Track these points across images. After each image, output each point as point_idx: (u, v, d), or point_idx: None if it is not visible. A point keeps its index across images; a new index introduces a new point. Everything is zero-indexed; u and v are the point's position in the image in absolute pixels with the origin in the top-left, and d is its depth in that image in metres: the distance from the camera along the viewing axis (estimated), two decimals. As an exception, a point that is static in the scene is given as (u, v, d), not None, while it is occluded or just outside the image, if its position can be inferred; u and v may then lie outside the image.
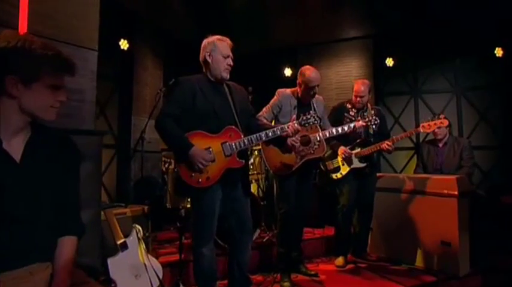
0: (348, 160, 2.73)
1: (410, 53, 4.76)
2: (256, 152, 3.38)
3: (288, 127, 1.83)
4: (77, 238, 1.14)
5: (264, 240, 3.13)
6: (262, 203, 3.23)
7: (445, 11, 4.07)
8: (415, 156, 4.56)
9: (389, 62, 4.83)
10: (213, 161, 1.78)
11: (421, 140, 4.65)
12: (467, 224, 2.71)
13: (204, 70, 1.90)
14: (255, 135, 1.81)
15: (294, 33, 4.89)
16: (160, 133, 1.81)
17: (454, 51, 4.56)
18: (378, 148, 2.63)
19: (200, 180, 1.78)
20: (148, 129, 3.03)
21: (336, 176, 2.76)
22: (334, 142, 2.76)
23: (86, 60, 1.58)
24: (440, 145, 3.35)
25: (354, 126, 2.32)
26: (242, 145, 1.80)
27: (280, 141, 1.97)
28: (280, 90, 2.44)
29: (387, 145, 2.57)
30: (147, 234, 2.56)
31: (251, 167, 3.44)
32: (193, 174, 1.78)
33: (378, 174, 3.19)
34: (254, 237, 3.01)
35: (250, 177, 3.37)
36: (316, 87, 2.38)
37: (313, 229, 3.52)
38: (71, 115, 1.51)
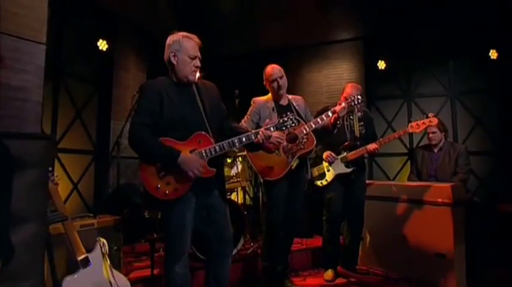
0: (333, 165, 2.65)
1: (403, 56, 4.67)
2: (240, 159, 3.27)
3: (258, 134, 1.75)
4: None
5: (248, 251, 3.01)
6: (246, 212, 3.13)
7: (438, 12, 4.01)
8: (409, 162, 4.45)
9: (381, 64, 4.70)
10: (203, 168, 1.67)
11: (415, 145, 4.55)
12: (463, 235, 2.59)
13: (169, 72, 1.79)
14: (227, 142, 1.71)
15: (284, 35, 4.81)
16: (137, 147, 1.68)
17: (447, 54, 4.47)
18: (364, 151, 2.57)
19: (167, 192, 1.66)
20: (126, 134, 2.87)
21: (321, 183, 2.66)
22: (319, 147, 2.70)
23: (30, 55, 1.40)
24: (435, 150, 3.28)
25: (334, 111, 2.25)
26: (213, 152, 1.69)
27: (260, 146, 1.86)
28: (254, 98, 2.41)
29: (373, 147, 2.52)
30: (115, 248, 2.37)
31: (234, 174, 3.33)
32: (159, 185, 1.66)
33: (368, 181, 3.11)
34: (238, 248, 2.89)
35: (235, 185, 3.28)
36: (279, 80, 2.33)
37: (301, 239, 3.38)
38: (12, 116, 1.33)
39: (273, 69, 2.38)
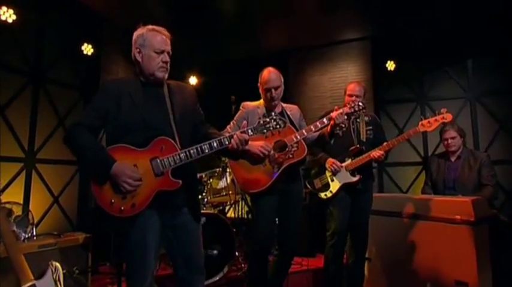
0: (337, 174, 2.48)
1: (414, 54, 4.44)
2: (229, 169, 3.09)
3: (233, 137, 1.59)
4: None
5: (239, 273, 2.86)
6: (243, 227, 3.06)
7: (452, 4, 3.75)
8: (424, 172, 4.18)
9: (391, 65, 4.45)
10: (140, 181, 1.49)
11: (430, 153, 4.27)
12: (488, 259, 2.28)
13: (136, 70, 1.65)
14: (195, 148, 1.54)
15: (285, 36, 4.69)
16: (70, 147, 1.53)
17: (465, 51, 4.19)
18: (369, 157, 2.40)
19: (123, 208, 1.48)
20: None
21: (326, 195, 2.48)
22: (321, 155, 2.52)
23: None
24: (453, 158, 3.05)
25: (330, 117, 2.10)
26: (177, 161, 1.52)
27: (241, 154, 1.70)
28: (244, 103, 2.31)
29: (377, 153, 2.37)
30: (76, 271, 2.12)
31: (223, 186, 3.15)
32: (113, 200, 1.48)
33: (378, 194, 2.92)
34: (224, 271, 2.70)
35: (223, 199, 3.13)
36: (273, 91, 2.18)
37: (301, 259, 3.14)
38: None
39: (270, 76, 2.21)
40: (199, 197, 3.23)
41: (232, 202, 3.25)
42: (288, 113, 2.33)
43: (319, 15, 4.04)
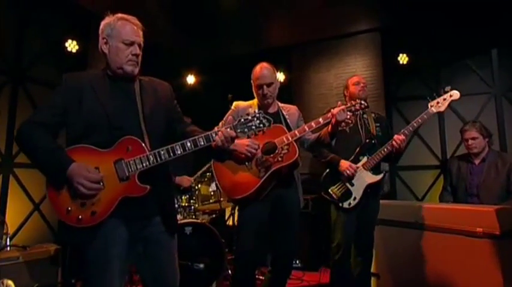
0: (356, 178, 2.37)
1: (430, 46, 4.21)
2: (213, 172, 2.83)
3: (217, 134, 1.50)
4: None
5: None
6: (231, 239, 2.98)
7: None
8: (442, 177, 3.96)
9: (403, 59, 4.23)
10: (99, 184, 1.40)
11: (449, 155, 4.06)
12: None
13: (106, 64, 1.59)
14: (166, 149, 1.45)
15: (287, 30, 4.54)
16: (21, 147, 1.45)
17: (488, 40, 3.93)
18: (390, 148, 2.33)
19: (81, 216, 1.38)
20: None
21: (349, 203, 2.35)
22: (331, 156, 2.42)
23: None
24: (477, 161, 2.90)
25: (332, 113, 2.04)
26: (145, 163, 1.43)
27: (227, 153, 1.64)
28: (236, 102, 2.27)
29: (398, 139, 2.29)
30: (37, 287, 1.98)
31: (212, 193, 3.07)
32: (70, 207, 1.38)
33: (389, 201, 2.83)
34: None
35: (213, 207, 3.06)
36: (265, 88, 2.13)
37: (302, 273, 3.04)
38: None
39: (262, 71, 2.17)
40: (186, 204, 3.13)
41: (230, 209, 3.16)
42: (285, 113, 2.25)
43: (323, 6, 3.89)
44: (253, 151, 1.72)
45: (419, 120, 2.35)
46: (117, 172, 1.42)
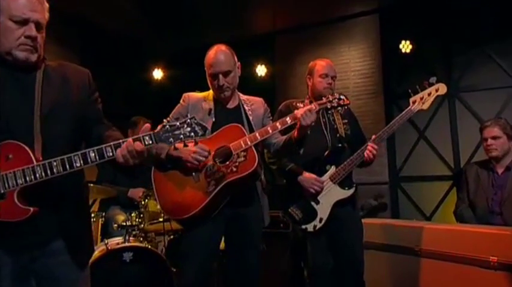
0: (322, 193, 2.29)
1: (439, 30, 4.02)
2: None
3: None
4: None
5: None
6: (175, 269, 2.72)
7: None
8: (454, 190, 3.83)
9: (406, 46, 4.00)
10: None
11: (463, 163, 3.87)
12: None
13: None
14: (60, 159, 1.35)
15: (270, 14, 4.45)
16: None
17: (510, 24, 3.74)
18: (360, 157, 2.25)
19: None
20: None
21: (314, 226, 2.26)
22: (290, 166, 2.30)
23: None
24: (500, 170, 2.70)
25: (295, 116, 1.92)
26: (29, 178, 1.34)
27: (175, 161, 1.76)
28: (186, 94, 2.19)
29: (371, 148, 2.22)
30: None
31: (161, 210, 2.78)
32: None
33: (385, 221, 2.91)
34: None
35: (162, 226, 2.84)
36: (221, 78, 2.02)
37: None
38: None
39: (216, 57, 2.03)
40: (129, 223, 2.86)
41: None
42: (247, 108, 2.16)
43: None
44: (201, 158, 1.71)
45: (399, 121, 2.26)
46: None
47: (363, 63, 4.24)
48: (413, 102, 2.26)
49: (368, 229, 2.51)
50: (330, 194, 2.24)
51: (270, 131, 1.93)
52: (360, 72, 4.13)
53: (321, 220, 2.24)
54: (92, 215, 3.01)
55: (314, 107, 1.88)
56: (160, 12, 4.24)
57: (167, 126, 1.41)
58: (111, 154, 1.36)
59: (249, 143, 1.90)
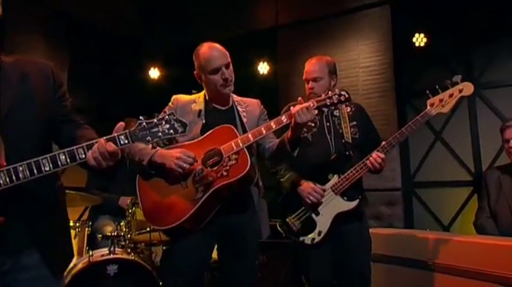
0: (323, 204, 2.25)
1: (456, 22, 3.88)
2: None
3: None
4: None
5: None
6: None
7: None
8: (475, 197, 3.66)
9: (420, 40, 3.88)
10: None
11: (485, 167, 3.75)
12: None
13: None
14: (27, 164, 1.32)
15: (272, 8, 4.40)
16: None
17: None
18: (363, 167, 2.18)
19: None
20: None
21: (312, 239, 2.23)
22: (288, 175, 2.30)
23: None
24: None
25: (290, 113, 1.88)
26: None
27: (157, 168, 1.79)
28: (176, 95, 2.20)
29: (377, 156, 2.15)
30: None
31: (127, 227, 2.83)
32: None
33: (395, 231, 2.94)
34: None
35: (152, 236, 2.82)
36: (225, 70, 2.00)
37: None
38: None
39: (212, 52, 2.02)
40: (115, 233, 2.83)
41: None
42: (240, 109, 2.14)
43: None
44: (185, 165, 1.71)
45: (413, 126, 2.13)
46: None
47: (373, 58, 4.09)
48: (431, 105, 2.12)
49: (376, 240, 2.43)
50: (331, 206, 2.19)
51: (264, 131, 1.88)
52: (369, 69, 4.00)
53: (319, 232, 2.20)
54: (77, 224, 2.97)
55: (312, 105, 1.81)
56: (156, 8, 4.26)
57: (144, 123, 1.37)
58: (83, 156, 1.33)
59: (240, 144, 1.86)
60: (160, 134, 1.39)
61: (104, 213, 3.16)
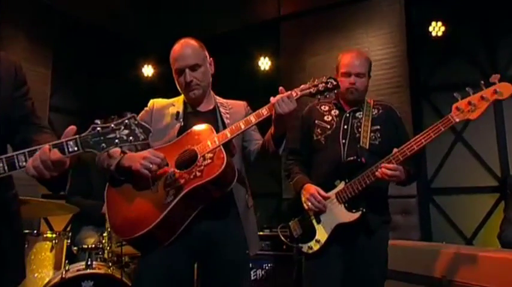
0: (326, 212, 2.26)
1: (478, 10, 3.78)
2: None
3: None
4: None
5: None
6: None
7: None
8: (502, 204, 3.60)
9: (437, 29, 3.76)
10: None
11: None
12: None
13: None
14: None
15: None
16: None
17: None
18: (370, 176, 2.10)
19: None
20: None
21: (310, 247, 2.22)
22: (297, 177, 2.29)
23: None
24: None
25: (269, 106, 1.82)
26: None
27: (125, 173, 1.72)
28: (154, 99, 2.17)
29: (386, 167, 2.01)
30: None
31: (108, 239, 2.72)
32: None
33: (410, 243, 2.95)
34: None
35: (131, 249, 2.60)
36: (188, 73, 1.94)
37: None
38: None
39: (182, 50, 1.97)
40: (93, 246, 2.76)
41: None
42: (223, 111, 2.10)
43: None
44: (152, 166, 1.65)
45: (431, 134, 1.98)
46: None
47: (385, 51, 4.01)
48: (457, 109, 1.93)
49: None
50: (333, 215, 2.14)
51: (243, 126, 1.81)
52: (381, 62, 3.88)
53: (318, 241, 2.17)
54: (53, 235, 2.87)
55: (294, 94, 1.75)
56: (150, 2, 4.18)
57: (98, 128, 1.30)
58: (24, 164, 1.28)
59: (217, 142, 1.79)
60: (117, 141, 1.29)
61: (88, 223, 3.04)
